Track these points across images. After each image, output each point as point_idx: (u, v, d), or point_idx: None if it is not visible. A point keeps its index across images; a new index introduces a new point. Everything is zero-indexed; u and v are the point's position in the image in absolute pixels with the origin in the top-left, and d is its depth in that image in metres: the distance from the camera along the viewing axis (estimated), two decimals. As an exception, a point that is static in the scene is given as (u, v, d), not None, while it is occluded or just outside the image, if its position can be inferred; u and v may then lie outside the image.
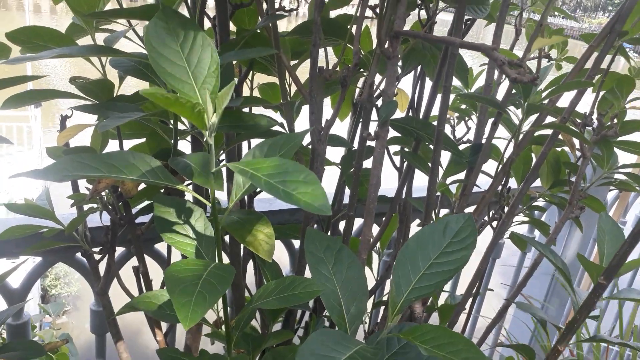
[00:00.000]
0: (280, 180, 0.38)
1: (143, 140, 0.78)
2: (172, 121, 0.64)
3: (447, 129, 1.13)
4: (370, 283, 0.93)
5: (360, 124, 0.75)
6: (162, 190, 0.73)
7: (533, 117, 0.80)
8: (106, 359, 0.96)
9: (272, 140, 0.49)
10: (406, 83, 0.97)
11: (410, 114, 0.93)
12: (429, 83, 0.88)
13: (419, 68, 0.90)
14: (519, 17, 0.85)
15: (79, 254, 0.84)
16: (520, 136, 0.79)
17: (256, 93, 0.88)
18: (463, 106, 1.07)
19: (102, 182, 0.59)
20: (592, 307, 0.56)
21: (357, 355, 0.43)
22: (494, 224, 0.94)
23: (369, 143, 0.72)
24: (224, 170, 0.77)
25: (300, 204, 0.36)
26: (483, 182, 0.97)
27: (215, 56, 0.44)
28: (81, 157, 0.44)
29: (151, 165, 0.47)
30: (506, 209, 0.90)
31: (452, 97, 1.08)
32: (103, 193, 0.70)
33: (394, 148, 0.94)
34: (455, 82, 0.97)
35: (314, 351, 0.42)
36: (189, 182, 0.75)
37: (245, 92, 0.84)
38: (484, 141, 0.81)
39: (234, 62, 0.84)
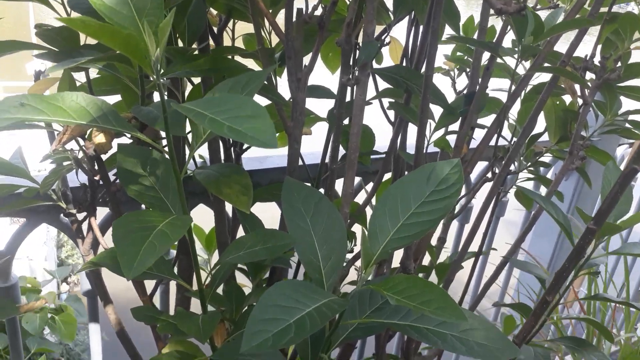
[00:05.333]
0: (226, 117, 0.34)
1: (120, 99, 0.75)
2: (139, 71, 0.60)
3: (448, 82, 1.08)
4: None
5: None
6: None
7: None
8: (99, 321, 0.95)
9: (235, 79, 0.46)
10: (400, 32, 0.91)
11: (404, 64, 0.89)
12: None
13: (413, 14, 0.84)
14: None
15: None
16: (514, 86, 0.74)
17: (239, 43, 0.83)
18: (466, 57, 1.01)
19: (68, 132, 0.56)
20: (581, 254, 0.53)
21: (324, 308, 0.41)
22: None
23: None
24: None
25: (247, 140, 0.33)
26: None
27: (161, -14, 0.40)
28: (25, 98, 0.41)
29: (103, 110, 0.43)
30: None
31: (452, 47, 1.03)
32: (76, 149, 0.67)
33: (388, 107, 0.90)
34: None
35: (276, 302, 0.39)
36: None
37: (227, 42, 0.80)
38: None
39: (215, 12, 0.79)
